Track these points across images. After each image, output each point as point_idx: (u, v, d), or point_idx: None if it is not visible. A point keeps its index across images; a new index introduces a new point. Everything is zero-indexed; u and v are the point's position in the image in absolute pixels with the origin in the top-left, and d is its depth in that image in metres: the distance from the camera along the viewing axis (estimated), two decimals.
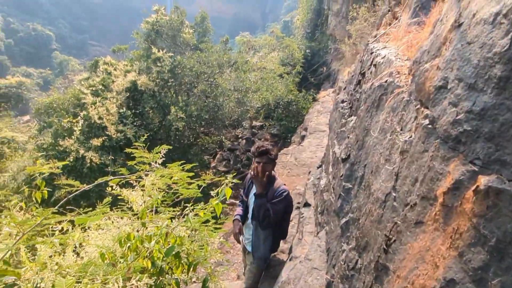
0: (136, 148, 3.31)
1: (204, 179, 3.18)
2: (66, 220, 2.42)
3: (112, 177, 2.90)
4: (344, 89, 2.86)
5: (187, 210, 2.49)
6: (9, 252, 2.05)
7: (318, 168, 3.54)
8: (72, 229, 2.75)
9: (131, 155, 3.39)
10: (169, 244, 2.30)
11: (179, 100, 13.07)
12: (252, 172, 2.73)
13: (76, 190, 2.66)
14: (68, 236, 2.48)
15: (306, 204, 3.18)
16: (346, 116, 2.41)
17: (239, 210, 3.14)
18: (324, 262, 2.09)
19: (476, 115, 0.80)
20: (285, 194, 2.71)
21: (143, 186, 3.08)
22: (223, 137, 15.58)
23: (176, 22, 14.68)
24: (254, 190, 2.80)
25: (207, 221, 3.35)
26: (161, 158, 3.30)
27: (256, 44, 23.09)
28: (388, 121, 1.43)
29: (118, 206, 3.09)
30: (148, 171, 3.04)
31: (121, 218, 3.11)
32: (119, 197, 3.09)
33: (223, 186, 2.30)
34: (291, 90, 15.80)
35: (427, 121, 1.06)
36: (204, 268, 3.90)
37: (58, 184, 8.21)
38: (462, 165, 0.83)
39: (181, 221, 2.75)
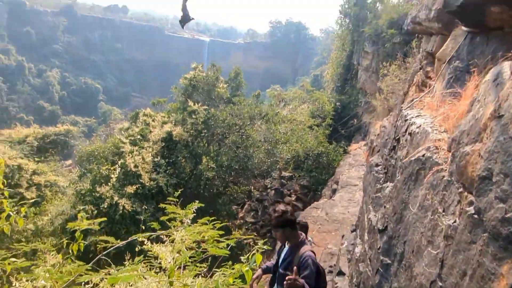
0: (169, 203, 3.39)
1: (233, 238, 3.15)
2: (98, 277, 2.44)
3: (144, 234, 2.95)
4: (378, 151, 2.84)
5: (216, 276, 2.44)
6: None
7: (352, 232, 3.39)
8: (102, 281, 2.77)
9: (163, 202, 3.45)
10: None
11: (210, 150, 13.46)
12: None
13: (111, 247, 2.72)
14: None
15: (340, 273, 3.00)
16: (381, 182, 2.36)
17: (268, 262, 2.98)
18: None
19: None
20: (309, 261, 2.51)
21: (173, 241, 3.09)
22: (252, 187, 15.53)
23: (212, 78, 15.68)
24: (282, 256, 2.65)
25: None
26: (192, 213, 3.34)
27: (287, 97, 23.88)
28: (428, 199, 1.38)
29: (147, 258, 3.09)
30: (179, 228, 3.07)
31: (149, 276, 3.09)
32: (149, 252, 3.11)
33: (253, 251, 2.24)
34: (321, 142, 15.80)
35: (472, 210, 1.01)
36: None
37: (91, 230, 8.43)
38: None
39: (209, 280, 2.68)
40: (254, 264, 2.17)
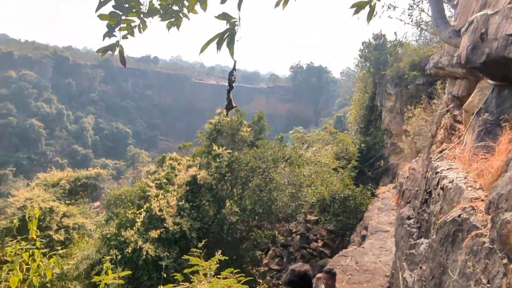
0: (193, 254, 3.35)
1: None
2: None
3: (167, 287, 2.89)
4: (409, 202, 2.72)
5: None
6: None
7: None
8: None
9: (186, 248, 3.43)
10: None
11: (234, 194, 13.42)
12: None
13: None
14: None
15: None
16: (414, 237, 2.23)
17: None
18: None
19: None
20: None
21: None
22: (276, 232, 15.09)
23: (236, 123, 16.10)
24: None
25: None
26: (215, 264, 3.27)
27: (310, 139, 23.90)
28: (469, 266, 1.28)
29: None
30: (202, 282, 2.99)
31: None
32: None
33: None
34: (347, 184, 15.37)
35: None
36: None
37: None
38: None
39: None
40: None
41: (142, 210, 10.60)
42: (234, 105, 1.85)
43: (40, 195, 16.72)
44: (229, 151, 13.94)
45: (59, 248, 13.35)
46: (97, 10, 1.67)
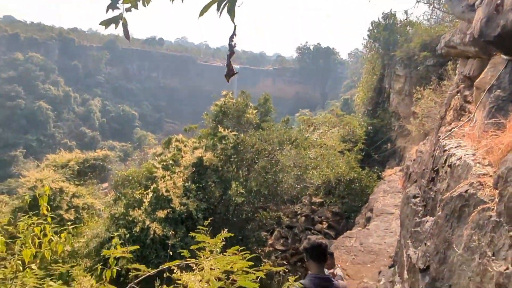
0: (199, 231, 3.41)
1: (262, 269, 3.07)
2: None
3: (174, 262, 2.96)
4: (415, 181, 2.70)
5: None
6: None
7: (390, 268, 3.18)
8: None
9: (192, 227, 3.51)
10: None
11: (239, 175, 13.52)
12: None
13: (142, 275, 2.76)
14: None
15: None
16: (420, 215, 2.23)
17: None
18: None
19: None
20: None
21: (201, 269, 3.07)
22: (281, 213, 15.25)
23: (242, 105, 16.03)
24: None
25: None
26: (221, 242, 3.33)
27: (316, 121, 23.74)
28: (474, 240, 1.28)
29: (175, 286, 3.08)
30: (208, 258, 3.05)
31: None
32: (178, 281, 3.11)
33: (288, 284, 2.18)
34: (353, 167, 15.36)
35: None
36: None
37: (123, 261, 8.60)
38: None
39: None
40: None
41: (149, 190, 10.76)
42: (235, 71, 1.82)
43: (50, 176, 17.06)
44: (234, 133, 13.94)
45: (69, 224, 13.73)
46: None
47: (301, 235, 14.98)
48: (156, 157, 13.59)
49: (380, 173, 15.95)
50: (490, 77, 2.02)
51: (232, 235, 3.30)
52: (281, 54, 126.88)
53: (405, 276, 2.27)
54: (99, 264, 3.03)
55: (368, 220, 11.40)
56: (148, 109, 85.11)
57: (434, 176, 2.13)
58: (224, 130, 13.83)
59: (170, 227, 10.14)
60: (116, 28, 1.78)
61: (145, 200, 10.46)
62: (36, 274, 2.85)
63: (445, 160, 1.92)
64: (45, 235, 2.70)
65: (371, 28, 22.53)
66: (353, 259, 8.40)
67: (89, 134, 65.99)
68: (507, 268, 1.02)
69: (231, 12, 1.42)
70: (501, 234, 1.11)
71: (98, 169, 22.37)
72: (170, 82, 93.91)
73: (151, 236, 9.74)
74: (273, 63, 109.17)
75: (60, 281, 2.86)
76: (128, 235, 9.52)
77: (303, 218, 16.47)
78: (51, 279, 2.72)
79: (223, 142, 13.41)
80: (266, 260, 11.69)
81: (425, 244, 1.90)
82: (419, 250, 1.97)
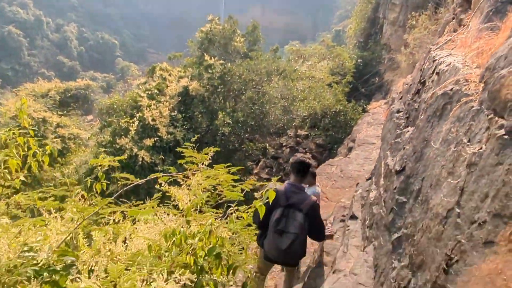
0: (186, 148, 3.46)
1: (247, 184, 3.21)
2: (120, 211, 2.59)
3: (162, 174, 3.05)
4: (400, 99, 2.72)
5: (230, 210, 2.54)
6: (71, 235, 2.23)
7: (367, 180, 3.38)
8: (123, 221, 2.94)
9: (180, 156, 3.56)
10: (210, 244, 2.34)
11: (226, 106, 13.43)
12: None
13: (131, 183, 2.84)
14: (120, 226, 2.65)
15: (353, 217, 3.04)
16: (401, 127, 2.28)
17: None
18: (370, 278, 1.98)
19: None
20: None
21: (189, 185, 3.19)
22: (267, 145, 15.60)
23: (229, 31, 15.18)
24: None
25: (249, 225, 3.37)
26: (208, 160, 3.41)
27: (306, 53, 22.97)
28: (452, 132, 1.32)
29: (165, 204, 3.24)
30: (196, 171, 3.15)
31: (167, 214, 3.25)
32: (166, 194, 3.24)
33: (267, 188, 2.29)
34: (340, 100, 15.36)
35: (502, 131, 0.95)
36: (243, 273, 3.92)
37: (113, 179, 8.85)
38: None
39: (224, 222, 2.80)
40: (267, 200, 2.23)
41: (135, 119, 10.66)
42: None
43: (30, 105, 16.52)
44: (221, 62, 13.47)
45: (56, 154, 13.77)
46: None
47: (286, 165, 15.56)
48: (140, 87, 13.17)
49: (365, 106, 16.06)
50: None
51: (219, 149, 3.36)
52: None
53: (381, 182, 2.42)
54: (88, 178, 3.11)
55: (350, 150, 11.76)
56: (129, 38, 79.92)
57: (420, 88, 2.13)
58: (211, 58, 13.31)
59: (158, 155, 10.32)
60: None
61: (131, 128, 10.42)
62: (29, 197, 2.91)
63: (434, 70, 1.90)
64: (29, 148, 2.67)
65: None
66: (333, 184, 8.86)
67: (68, 64, 62.47)
68: (481, 148, 1.07)
69: None
70: (479, 120, 1.14)
71: (81, 99, 21.72)
72: (152, 8, 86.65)
73: (140, 163, 9.94)
74: None
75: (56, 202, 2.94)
76: (116, 162, 9.64)
77: (288, 149, 16.89)
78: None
79: (209, 71, 13.00)
80: (251, 177, 12.26)
81: (404, 148, 1.98)
82: (397, 156, 2.07)
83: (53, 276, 1.97)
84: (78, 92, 20.89)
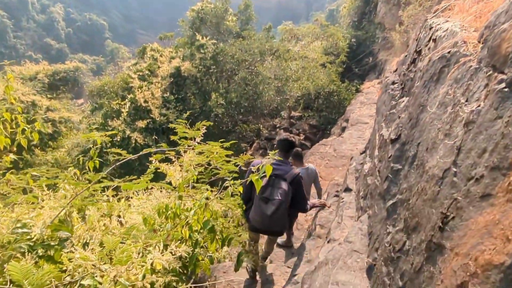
0: (179, 123, 3.40)
1: (242, 159, 3.19)
2: (113, 186, 2.56)
3: (155, 149, 3.01)
4: (395, 71, 2.69)
5: (226, 183, 2.53)
6: (64, 211, 2.21)
7: (361, 154, 3.39)
8: (117, 199, 2.93)
9: (172, 125, 3.52)
10: (205, 218, 2.34)
11: (219, 87, 13.25)
12: None
13: (123, 159, 2.80)
14: (113, 204, 2.63)
15: (347, 189, 3.07)
16: (397, 98, 2.26)
17: None
18: (365, 245, 2.00)
19: None
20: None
21: (182, 162, 3.16)
22: (261, 126, 15.56)
23: (220, 10, 14.80)
24: None
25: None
26: (200, 137, 3.37)
27: (299, 32, 22.61)
28: (450, 94, 1.30)
29: (158, 181, 3.21)
30: (189, 147, 3.11)
31: (160, 191, 3.24)
32: (159, 172, 3.22)
33: (264, 162, 2.28)
34: (334, 80, 15.26)
35: (502, 85, 0.94)
36: (238, 248, 3.95)
37: (107, 161, 8.79)
38: None
39: (218, 195, 2.80)
40: (264, 174, 2.23)
41: (127, 101, 10.50)
42: None
43: (18, 88, 16.14)
44: (213, 41, 13.20)
45: (47, 138, 13.58)
46: None
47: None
48: (131, 68, 12.89)
49: (358, 87, 16.01)
50: None
51: (211, 123, 3.33)
52: None
53: (376, 153, 2.43)
54: (80, 155, 3.05)
55: (343, 129, 11.78)
56: (118, 19, 77.67)
57: (415, 57, 2.10)
58: (202, 38, 13.03)
59: (151, 137, 10.24)
60: None
61: (123, 110, 10.27)
62: (21, 180, 2.85)
63: (430, 37, 1.87)
64: (18, 125, 2.61)
65: None
66: (326, 163, 8.91)
67: (56, 46, 60.71)
68: (479, 105, 1.06)
69: None
70: (478, 79, 1.12)
71: (71, 82, 21.24)
72: None
73: (133, 145, 9.86)
74: None
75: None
76: (109, 144, 9.57)
77: (282, 130, 16.89)
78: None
79: (202, 51, 12.74)
80: (246, 151, 12.30)
81: (399, 117, 1.97)
82: (393, 125, 2.06)
83: (48, 251, 1.97)
84: (68, 75, 20.41)
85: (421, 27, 2.23)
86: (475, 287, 0.82)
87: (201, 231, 2.28)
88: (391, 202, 1.73)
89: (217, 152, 2.87)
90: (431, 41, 1.81)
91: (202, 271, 2.42)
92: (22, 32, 59.70)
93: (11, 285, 1.46)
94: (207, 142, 3.45)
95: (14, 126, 2.55)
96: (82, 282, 1.55)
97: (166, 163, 3.11)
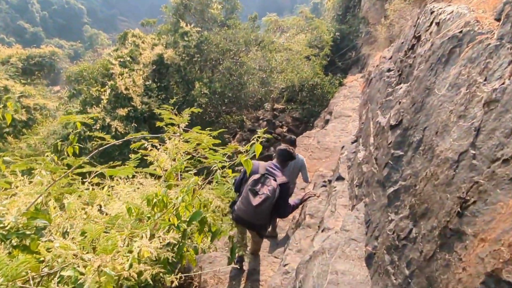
0: (165, 109, 3.25)
1: (230, 148, 3.09)
2: (97, 172, 2.40)
3: (139, 135, 2.86)
4: (390, 58, 2.64)
5: (214, 167, 2.43)
6: (41, 197, 2.04)
7: (353, 143, 3.36)
8: (100, 187, 2.75)
9: (155, 126, 3.37)
10: (194, 208, 2.24)
11: (203, 76, 12.98)
12: None
13: (106, 144, 2.64)
14: (96, 191, 2.47)
15: (339, 178, 3.04)
16: (393, 85, 2.22)
17: None
18: (362, 234, 1.96)
19: None
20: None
21: (166, 149, 3.02)
22: (244, 117, 15.45)
23: None
24: None
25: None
26: (185, 123, 3.22)
27: (284, 24, 22.46)
28: (463, 74, 1.25)
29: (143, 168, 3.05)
30: (174, 134, 2.97)
31: (145, 177, 3.08)
32: (144, 159, 3.06)
33: (253, 142, 2.20)
34: (317, 73, 15.30)
35: None
36: (223, 239, 3.87)
37: (86, 150, 8.45)
38: None
39: (207, 183, 2.69)
40: (254, 154, 2.15)
41: (107, 88, 10.08)
42: None
43: None
44: (198, 29, 12.86)
45: (21, 125, 12.94)
46: None
47: (262, 138, 15.56)
48: (111, 53, 12.37)
49: (342, 80, 16.14)
50: None
51: (200, 110, 3.20)
52: None
53: (371, 141, 2.38)
54: (58, 141, 2.86)
55: (327, 122, 11.86)
56: (97, 3, 74.68)
57: (415, 43, 2.05)
58: (186, 25, 12.66)
59: (132, 125, 9.91)
60: None
61: (103, 97, 9.87)
62: None
63: (431, 22, 1.81)
64: None
65: None
66: (310, 155, 8.95)
67: (30, 30, 57.70)
68: (503, 83, 1.00)
69: None
70: (499, 56, 1.06)
71: (46, 67, 20.25)
72: None
73: (113, 133, 9.51)
74: None
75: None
76: (87, 133, 9.19)
77: (265, 122, 16.85)
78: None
79: (185, 39, 12.39)
80: (229, 143, 12.23)
81: (399, 103, 1.92)
82: (392, 111, 2.01)
83: (23, 240, 1.81)
84: (43, 60, 19.42)
85: (420, 13, 2.18)
86: (511, 274, 0.77)
87: (192, 222, 2.17)
88: (392, 189, 1.69)
89: (205, 141, 2.75)
90: (434, 25, 1.76)
91: (188, 261, 2.33)
92: None
93: None
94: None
95: None
96: (62, 273, 1.42)
97: (150, 149, 2.96)
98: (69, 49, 50.45)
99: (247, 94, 13.75)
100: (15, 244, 1.78)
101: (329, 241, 2.01)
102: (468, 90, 1.18)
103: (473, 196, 1.01)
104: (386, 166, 1.85)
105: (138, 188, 2.52)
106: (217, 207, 2.73)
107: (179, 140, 2.94)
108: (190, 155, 2.98)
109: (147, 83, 11.05)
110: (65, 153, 2.79)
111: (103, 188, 2.65)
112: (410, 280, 1.24)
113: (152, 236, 1.89)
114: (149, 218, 2.14)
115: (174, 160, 2.96)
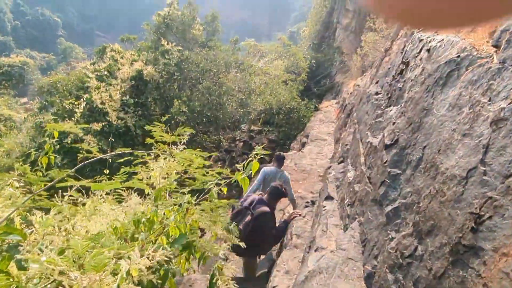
0: (156, 125, 3.14)
1: (220, 170, 3.03)
2: (78, 187, 2.25)
3: (129, 150, 2.74)
4: (377, 82, 2.75)
5: (209, 184, 2.35)
6: (14, 212, 1.86)
7: (339, 164, 3.41)
8: (80, 203, 2.57)
9: (129, 143, 3.27)
10: (186, 225, 2.14)
11: (182, 95, 12.93)
12: None
13: (93, 157, 2.50)
14: (78, 208, 2.30)
15: (329, 197, 3.04)
16: (382, 107, 2.29)
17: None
18: (359, 253, 1.94)
19: None
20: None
21: (158, 166, 2.90)
22: (221, 138, 15.43)
23: (188, 18, 14.62)
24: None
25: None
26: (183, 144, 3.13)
27: (263, 49, 23.12)
28: (464, 95, 1.31)
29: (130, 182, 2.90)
30: (164, 152, 2.87)
31: (130, 193, 2.92)
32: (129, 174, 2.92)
33: (250, 159, 2.16)
34: (294, 97, 15.73)
35: None
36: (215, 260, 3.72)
37: (55, 165, 7.97)
38: None
39: (198, 208, 2.58)
40: (250, 171, 2.12)
41: (82, 101, 9.73)
42: None
43: None
44: (179, 48, 12.91)
45: None
46: None
47: (238, 158, 15.51)
48: (88, 67, 12.07)
49: (317, 105, 16.68)
50: None
51: (194, 131, 3.13)
52: None
53: (362, 161, 2.43)
54: (32, 150, 2.67)
55: (303, 145, 12.09)
56: (74, 17, 73.45)
57: (403, 68, 2.15)
58: (168, 44, 12.68)
59: (106, 141, 9.55)
60: None
61: (77, 110, 9.50)
62: None
63: (421, 49, 1.92)
64: None
65: None
66: None
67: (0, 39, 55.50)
68: (510, 103, 1.06)
69: None
70: (503, 78, 1.13)
71: (15, 78, 19.38)
72: None
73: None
74: None
75: None
76: (58, 146, 8.72)
77: (242, 143, 16.87)
78: None
79: (166, 57, 12.38)
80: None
81: (393, 123, 1.98)
82: (385, 131, 2.07)
83: None
84: (12, 70, 18.61)
85: (407, 41, 2.31)
86: None
87: (175, 245, 2.05)
88: (390, 207, 1.70)
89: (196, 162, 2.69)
90: (423, 51, 1.87)
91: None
92: None
93: None
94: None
95: None
96: None
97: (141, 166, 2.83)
98: (40, 60, 48.79)
99: (226, 114, 13.80)
100: None
101: (326, 261, 1.98)
102: (471, 110, 1.24)
103: (488, 212, 1.03)
104: (382, 185, 1.88)
105: (122, 205, 2.37)
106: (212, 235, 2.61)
107: (173, 159, 2.84)
108: (179, 175, 2.88)
109: (124, 98, 10.81)
110: (39, 164, 2.61)
111: (83, 204, 2.48)
112: None
113: (140, 256, 1.77)
114: (132, 237, 2.01)
115: (164, 178, 2.85)
